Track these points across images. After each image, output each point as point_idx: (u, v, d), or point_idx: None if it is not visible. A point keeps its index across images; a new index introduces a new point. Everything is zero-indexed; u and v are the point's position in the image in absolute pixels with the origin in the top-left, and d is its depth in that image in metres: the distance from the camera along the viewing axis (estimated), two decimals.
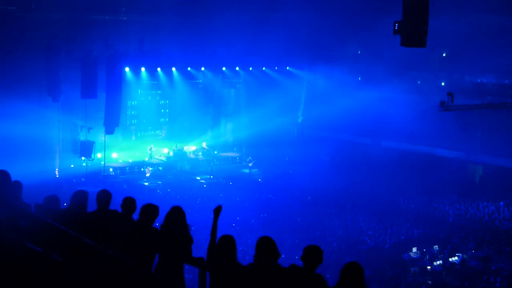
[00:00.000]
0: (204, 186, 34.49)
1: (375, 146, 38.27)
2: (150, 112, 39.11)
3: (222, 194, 31.76)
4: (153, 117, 39.43)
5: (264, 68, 39.27)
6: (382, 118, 36.68)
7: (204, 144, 39.82)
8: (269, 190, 33.28)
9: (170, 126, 39.96)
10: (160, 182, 34.16)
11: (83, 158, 31.94)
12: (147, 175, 35.44)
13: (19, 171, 10.11)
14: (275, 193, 32.62)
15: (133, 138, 38.61)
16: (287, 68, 39.83)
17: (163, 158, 37.84)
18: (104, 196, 7.59)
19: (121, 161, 36.27)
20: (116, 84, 30.85)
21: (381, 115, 36.52)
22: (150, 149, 37.87)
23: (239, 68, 38.61)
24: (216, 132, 41.27)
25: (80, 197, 7.48)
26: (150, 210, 7.43)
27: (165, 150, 38.57)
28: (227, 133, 41.91)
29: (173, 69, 36.88)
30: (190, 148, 39.62)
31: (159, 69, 36.35)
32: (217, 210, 6.85)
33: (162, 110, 40.38)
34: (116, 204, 7.67)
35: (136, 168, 35.60)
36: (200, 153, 39.63)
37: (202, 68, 37.60)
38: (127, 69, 34.32)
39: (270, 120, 39.22)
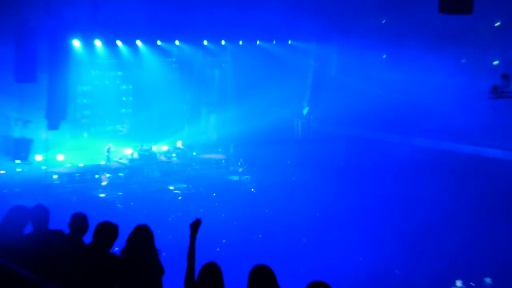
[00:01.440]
0: (179, 198, 35.32)
1: (404, 145, 38.94)
2: (108, 101, 39.93)
3: (203, 208, 32.41)
4: (112, 108, 40.51)
5: (258, 42, 40.16)
6: (413, 109, 37.45)
7: (179, 143, 41.22)
8: (265, 203, 34.23)
9: (135, 119, 40.98)
10: (120, 193, 34.80)
11: (17, 161, 32.45)
12: (104, 183, 36.05)
13: None
14: (273, 207, 33.53)
15: (85, 135, 39.65)
16: (289, 42, 40.67)
17: (125, 162, 38.55)
18: (39, 213, 7.78)
19: (68, 165, 36.83)
20: (61, 64, 31.34)
21: (413, 104, 37.41)
22: (108, 150, 38.75)
23: (225, 41, 39.31)
24: (195, 127, 42.55)
25: (16, 216, 7.65)
26: (107, 230, 7.75)
27: (128, 151, 39.58)
28: (210, 128, 43.31)
29: (138, 42, 37.21)
30: (161, 148, 40.76)
31: (119, 42, 36.67)
32: (195, 226, 6.85)
33: (124, 98, 41.09)
34: (62, 222, 7.93)
35: (88, 175, 36.78)
36: (174, 155, 40.67)
37: (177, 42, 38.22)
38: (76, 42, 34.63)
39: (266, 112, 40.90)
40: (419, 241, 28.34)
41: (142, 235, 7.48)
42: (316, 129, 43.46)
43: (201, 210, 32.00)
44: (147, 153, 38.97)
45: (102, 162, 38.24)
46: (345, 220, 31.16)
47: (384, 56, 40.86)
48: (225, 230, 28.29)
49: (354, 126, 40.20)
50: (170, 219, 30.60)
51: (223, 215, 31.33)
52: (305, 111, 43.54)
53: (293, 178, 39.11)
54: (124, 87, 40.34)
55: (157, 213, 31.17)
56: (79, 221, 8.04)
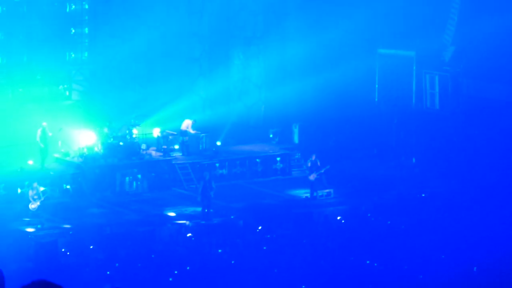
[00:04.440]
0: (188, 235, 29.20)
1: None
2: (39, 34, 34.71)
3: (235, 260, 27.66)
4: (48, 50, 34.95)
5: None
6: None
7: (186, 124, 35.25)
8: (368, 249, 28.64)
9: (95, 71, 36.30)
10: (67, 226, 29.63)
11: None
12: (33, 206, 29.73)
13: None
14: (386, 257, 28.27)
15: None
16: None
17: (78, 160, 32.75)
18: None
19: None
20: None
21: None
22: (43, 135, 32.43)
23: None
24: (218, 86, 37.93)
25: None
26: None
27: (86, 139, 33.59)
28: (250, 89, 38.90)
29: None
30: (147, 132, 35.10)
31: None
32: None
33: (73, 30, 35.89)
34: None
35: (1, 189, 31.32)
36: (176, 147, 34.93)
37: None
38: None
39: (361, 57, 36.35)
40: None
41: None
42: (472, 92, 36.40)
43: (233, 262, 27.49)
44: (121, 143, 33.45)
45: (30, 162, 32.85)
46: None
47: None
48: None
49: None
50: (170, 279, 25.90)
51: (275, 270, 26.92)
52: (448, 55, 36.39)
53: (423, 194, 33.34)
54: (73, 6, 35.66)
55: (142, 271, 26.35)
56: None
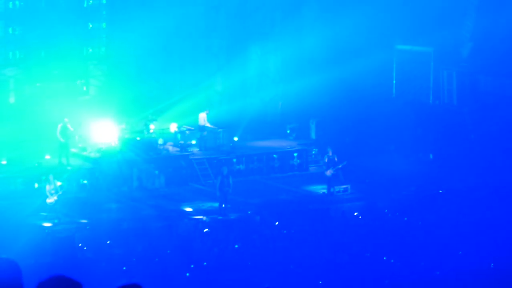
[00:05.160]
0: (205, 231, 29.43)
1: None
2: (55, 28, 34.97)
3: (251, 255, 27.97)
4: (65, 44, 35.33)
5: None
6: None
7: (202, 117, 35.25)
8: (385, 246, 28.86)
9: (112, 67, 36.57)
10: (84, 221, 29.86)
11: None
12: (50, 200, 29.80)
13: None
14: (402, 254, 28.38)
15: (12, 100, 34.98)
16: None
17: (95, 155, 33.36)
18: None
19: None
20: None
21: None
22: (63, 130, 32.24)
23: None
24: (234, 82, 38.30)
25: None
26: None
27: (105, 135, 34.27)
28: (268, 84, 39.41)
29: None
30: (164, 127, 35.38)
31: None
32: None
33: (91, 25, 36.12)
34: None
35: (20, 183, 31.58)
36: (193, 142, 35.33)
37: None
38: None
39: (379, 53, 36.07)
40: None
41: None
42: (490, 88, 36.51)
43: (249, 265, 27.45)
44: (138, 138, 33.93)
45: (48, 157, 33.09)
46: None
47: None
48: None
49: None
50: (187, 274, 26.00)
51: (291, 266, 27.08)
52: (466, 51, 36.90)
53: (440, 191, 33.35)
54: (90, 1, 35.62)
55: (159, 266, 26.42)
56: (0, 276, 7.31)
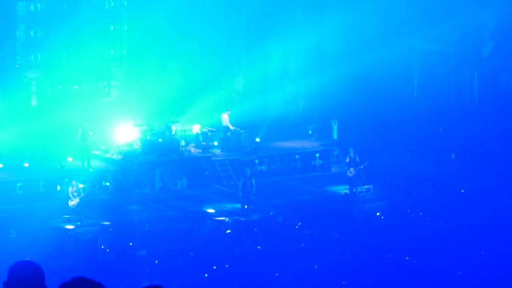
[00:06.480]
0: (228, 232, 29.66)
1: None
2: (78, 33, 35.32)
3: (274, 256, 28.40)
4: (87, 48, 35.63)
5: None
6: None
7: (225, 118, 36.04)
8: (407, 246, 28.91)
9: (133, 70, 36.71)
10: (107, 223, 29.92)
11: None
12: (72, 203, 29.97)
13: None
14: (423, 255, 28.43)
15: (34, 103, 35.13)
16: None
17: (117, 157, 33.58)
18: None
19: (0, 165, 33.03)
20: None
21: None
22: (83, 134, 32.76)
23: None
24: (257, 84, 38.67)
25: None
26: None
27: (126, 136, 34.25)
28: (288, 83, 39.16)
29: None
30: (187, 128, 35.43)
31: None
32: None
33: (112, 27, 36.54)
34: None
35: (42, 186, 31.43)
36: (215, 143, 35.43)
37: None
38: None
39: (400, 52, 36.19)
40: None
41: None
42: (511, 87, 35.82)
43: (271, 265, 27.75)
44: (160, 140, 33.83)
45: (70, 159, 33.46)
46: None
47: None
48: None
49: None
50: (206, 275, 26.59)
51: (315, 266, 27.36)
52: (487, 50, 36.65)
53: (462, 190, 33.39)
54: (112, 3, 35.95)
55: (182, 268, 26.69)
56: (23, 279, 7.28)
